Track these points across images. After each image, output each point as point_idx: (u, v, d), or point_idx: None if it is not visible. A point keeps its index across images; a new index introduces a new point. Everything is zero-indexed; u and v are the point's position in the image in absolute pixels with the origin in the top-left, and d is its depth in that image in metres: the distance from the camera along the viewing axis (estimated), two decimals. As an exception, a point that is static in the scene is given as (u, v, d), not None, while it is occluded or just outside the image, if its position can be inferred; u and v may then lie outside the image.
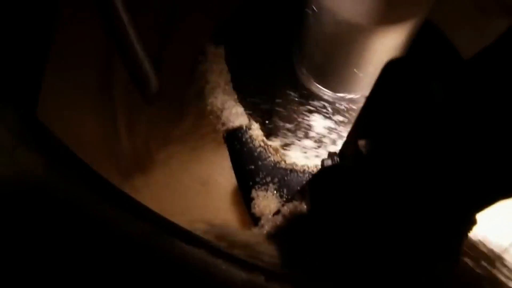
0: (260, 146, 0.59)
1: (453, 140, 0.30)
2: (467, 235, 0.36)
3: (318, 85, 0.65)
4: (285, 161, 0.58)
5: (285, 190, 0.57)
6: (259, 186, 0.57)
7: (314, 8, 0.54)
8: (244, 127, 0.60)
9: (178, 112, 0.68)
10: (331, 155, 0.48)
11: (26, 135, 0.37)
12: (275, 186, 0.57)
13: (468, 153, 0.30)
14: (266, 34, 0.73)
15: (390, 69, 0.32)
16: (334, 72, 0.61)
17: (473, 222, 0.36)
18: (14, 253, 0.34)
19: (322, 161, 0.49)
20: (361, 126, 0.39)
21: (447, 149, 0.30)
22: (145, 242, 0.34)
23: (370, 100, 0.35)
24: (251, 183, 0.57)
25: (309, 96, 0.65)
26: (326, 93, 0.65)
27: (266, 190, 0.57)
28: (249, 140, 0.59)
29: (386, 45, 0.55)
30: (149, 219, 0.35)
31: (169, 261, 0.33)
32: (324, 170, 0.44)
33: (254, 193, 0.57)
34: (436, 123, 0.30)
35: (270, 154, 0.58)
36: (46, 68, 0.50)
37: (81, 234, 0.34)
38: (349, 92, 0.64)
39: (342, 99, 0.65)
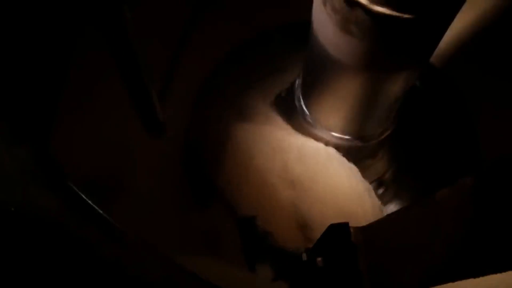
0: (262, 232, 0.85)
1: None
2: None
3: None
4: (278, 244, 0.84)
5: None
6: (260, 260, 0.84)
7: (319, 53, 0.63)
8: (251, 218, 0.87)
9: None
10: (306, 250, 0.75)
11: (39, 173, 0.38)
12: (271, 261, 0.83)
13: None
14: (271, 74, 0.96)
15: (331, 229, 0.59)
16: (332, 113, 0.75)
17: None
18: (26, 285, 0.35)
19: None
20: (320, 247, 0.65)
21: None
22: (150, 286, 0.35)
23: (322, 238, 0.62)
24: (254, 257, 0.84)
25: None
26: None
27: (265, 264, 0.83)
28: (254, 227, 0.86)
29: (385, 88, 0.63)
30: (157, 263, 0.38)
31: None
32: (299, 265, 0.70)
33: (257, 266, 0.84)
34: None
35: (268, 239, 0.85)
36: (58, 106, 0.49)
37: (92, 274, 0.36)
38: (343, 133, 0.79)
39: (339, 139, 0.80)
